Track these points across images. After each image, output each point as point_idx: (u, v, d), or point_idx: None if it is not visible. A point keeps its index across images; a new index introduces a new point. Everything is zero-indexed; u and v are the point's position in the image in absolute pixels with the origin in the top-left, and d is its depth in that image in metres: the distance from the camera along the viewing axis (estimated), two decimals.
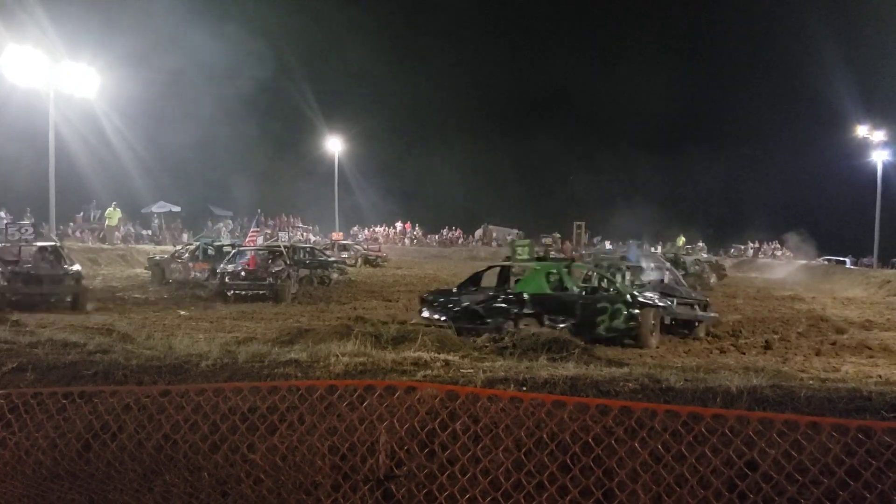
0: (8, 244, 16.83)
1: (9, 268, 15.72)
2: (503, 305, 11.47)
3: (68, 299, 15.77)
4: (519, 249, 14.40)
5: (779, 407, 3.43)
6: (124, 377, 4.30)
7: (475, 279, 13.52)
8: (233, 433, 3.23)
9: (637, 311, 11.90)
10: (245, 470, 3.16)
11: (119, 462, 3.36)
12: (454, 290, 13.18)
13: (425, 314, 11.96)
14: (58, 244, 18.51)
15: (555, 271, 12.84)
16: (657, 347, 11.82)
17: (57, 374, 4.39)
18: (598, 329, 11.69)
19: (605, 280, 13.69)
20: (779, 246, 53.41)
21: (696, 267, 28.05)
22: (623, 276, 15.45)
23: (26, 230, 17.26)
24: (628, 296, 12.22)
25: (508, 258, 15.05)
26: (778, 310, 19.68)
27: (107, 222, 34.49)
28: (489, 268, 14.51)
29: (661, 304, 12.57)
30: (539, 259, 14.24)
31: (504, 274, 14.04)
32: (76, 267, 16.85)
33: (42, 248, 16.98)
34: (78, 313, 14.69)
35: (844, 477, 2.52)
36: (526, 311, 11.39)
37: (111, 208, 34.24)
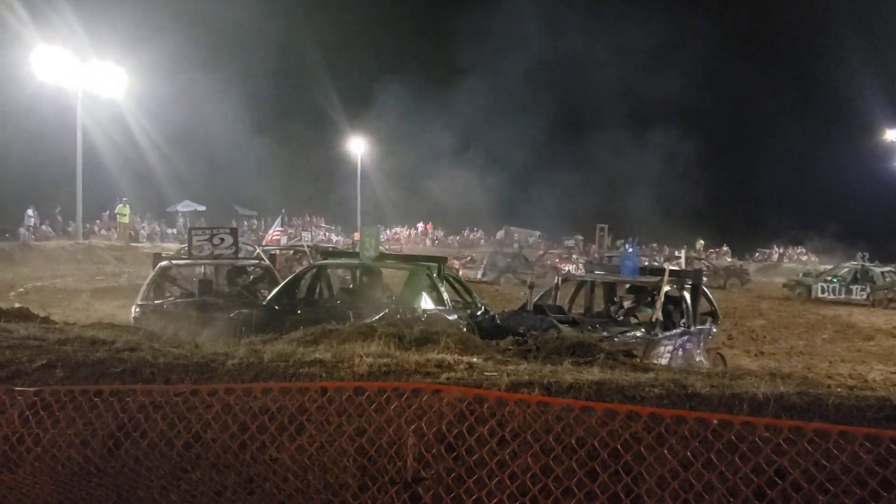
0: (191, 260, 11.24)
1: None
2: None
3: None
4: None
5: (806, 415, 3.38)
6: (152, 375, 4.33)
7: (290, 288, 10.30)
8: (261, 433, 3.25)
9: None
10: (272, 469, 3.18)
11: (148, 459, 3.40)
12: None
13: None
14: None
15: None
16: None
17: (85, 371, 4.43)
18: None
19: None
20: (804, 250, 52.91)
21: (888, 279, 25.91)
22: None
23: (221, 240, 10.94)
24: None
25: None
26: (803, 315, 19.50)
27: (118, 219, 34.10)
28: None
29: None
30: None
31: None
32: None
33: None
34: None
35: (877, 488, 2.49)
36: None
37: (121, 205, 33.60)
